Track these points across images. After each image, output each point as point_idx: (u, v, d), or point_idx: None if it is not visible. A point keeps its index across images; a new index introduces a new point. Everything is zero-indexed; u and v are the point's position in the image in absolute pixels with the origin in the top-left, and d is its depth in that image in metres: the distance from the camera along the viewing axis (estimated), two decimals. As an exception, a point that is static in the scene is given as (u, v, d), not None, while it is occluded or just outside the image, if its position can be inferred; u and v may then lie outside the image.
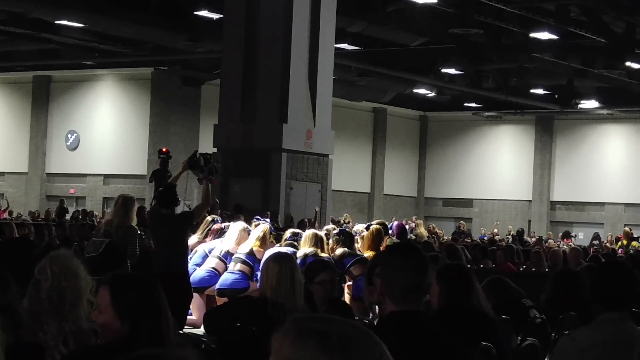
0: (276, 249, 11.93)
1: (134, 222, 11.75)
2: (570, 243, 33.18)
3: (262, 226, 12.96)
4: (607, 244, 28.94)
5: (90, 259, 11.11)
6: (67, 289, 5.13)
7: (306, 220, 21.63)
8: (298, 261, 8.12)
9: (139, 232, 11.83)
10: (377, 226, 12.94)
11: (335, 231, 13.35)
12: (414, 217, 43.53)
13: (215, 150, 24.85)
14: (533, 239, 33.88)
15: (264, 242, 12.54)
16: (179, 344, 4.52)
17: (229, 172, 22.07)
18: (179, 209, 12.26)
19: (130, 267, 11.52)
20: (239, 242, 12.55)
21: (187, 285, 11.20)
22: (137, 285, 4.47)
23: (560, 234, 37.60)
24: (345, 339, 2.19)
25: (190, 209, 12.39)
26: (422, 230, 29.48)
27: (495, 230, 38.26)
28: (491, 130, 48.03)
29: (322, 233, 12.36)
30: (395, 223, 14.64)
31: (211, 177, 11.94)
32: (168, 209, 11.25)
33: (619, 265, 5.99)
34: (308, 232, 12.30)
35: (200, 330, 11.59)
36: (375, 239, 12.51)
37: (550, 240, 33.33)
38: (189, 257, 12.69)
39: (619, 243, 29.50)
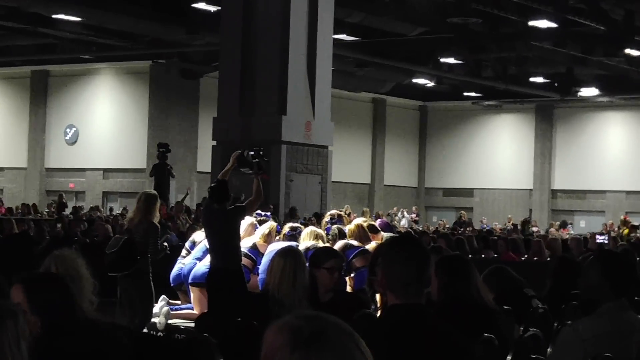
0: (279, 243, 11.89)
1: (157, 219, 11.74)
2: (566, 232, 33.27)
3: (269, 223, 12.96)
4: (604, 231, 28.90)
5: (108, 255, 11.24)
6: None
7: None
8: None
9: (159, 228, 11.81)
10: (363, 222, 12.83)
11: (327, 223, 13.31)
12: (414, 207, 43.60)
13: (215, 143, 24.86)
14: (534, 228, 33.86)
15: (268, 237, 12.54)
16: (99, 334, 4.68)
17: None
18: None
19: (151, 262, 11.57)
20: (243, 237, 12.52)
21: (242, 280, 11.21)
22: (49, 283, 4.67)
23: (558, 223, 37.62)
24: (315, 336, 2.38)
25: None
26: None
27: (496, 224, 38.21)
28: (491, 120, 48.00)
29: (320, 230, 12.35)
30: (378, 221, 14.57)
31: (260, 172, 11.90)
32: (220, 205, 11.23)
33: (620, 254, 5.96)
34: (307, 229, 12.31)
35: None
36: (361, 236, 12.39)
37: (551, 230, 33.34)
38: (203, 252, 12.66)
39: (625, 230, 29.47)
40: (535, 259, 15.91)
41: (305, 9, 23.79)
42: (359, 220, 12.89)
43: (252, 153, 12.02)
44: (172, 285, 13.39)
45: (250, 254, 12.33)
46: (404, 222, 37.35)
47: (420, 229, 27.73)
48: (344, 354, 2.37)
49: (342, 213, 14.81)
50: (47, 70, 41.70)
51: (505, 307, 7.16)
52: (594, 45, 32.94)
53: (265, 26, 23.56)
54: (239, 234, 11.63)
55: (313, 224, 16.22)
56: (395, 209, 40.27)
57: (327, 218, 13.74)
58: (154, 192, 12.40)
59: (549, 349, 5.99)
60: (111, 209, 34.39)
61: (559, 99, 43.11)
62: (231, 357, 6.17)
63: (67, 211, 30.01)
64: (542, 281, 9.15)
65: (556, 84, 41.07)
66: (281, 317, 2.46)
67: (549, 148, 46.39)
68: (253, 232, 12.86)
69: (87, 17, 30.51)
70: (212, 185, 11.50)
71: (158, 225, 11.79)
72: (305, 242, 11.69)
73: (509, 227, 32.80)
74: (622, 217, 34.60)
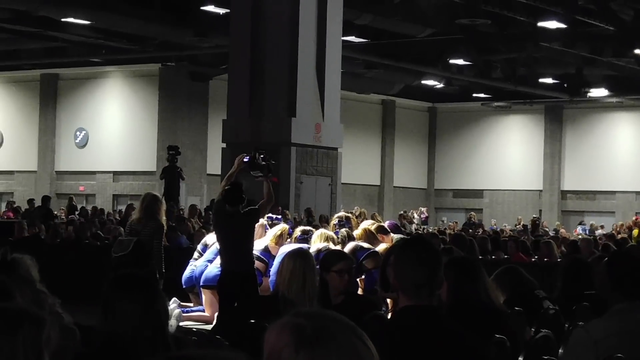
0: (290, 245, 11.92)
1: (163, 220, 11.79)
2: (576, 233, 33.26)
3: (281, 225, 12.97)
4: (614, 232, 28.80)
5: (118, 258, 11.19)
6: None
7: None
8: (312, 257, 8.12)
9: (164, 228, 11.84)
10: (370, 225, 12.83)
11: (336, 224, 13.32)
12: (424, 209, 43.53)
13: (224, 145, 24.89)
14: (545, 229, 33.79)
15: (280, 239, 12.55)
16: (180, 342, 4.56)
17: (241, 168, 22.03)
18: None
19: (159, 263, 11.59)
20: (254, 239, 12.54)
21: (255, 282, 11.23)
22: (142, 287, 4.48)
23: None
24: (318, 333, 2.35)
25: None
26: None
27: (506, 225, 38.18)
28: (500, 121, 47.94)
29: (331, 232, 12.36)
30: (387, 223, 14.57)
31: (270, 174, 11.90)
32: (233, 207, 11.22)
33: (631, 254, 5.96)
34: (318, 231, 12.33)
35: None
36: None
37: (562, 230, 33.27)
38: (214, 254, 12.67)
39: (635, 231, 29.38)
40: (545, 260, 15.88)
41: (314, 11, 23.81)
42: (365, 224, 12.89)
43: (262, 156, 12.02)
44: (184, 287, 13.43)
45: (262, 256, 12.34)
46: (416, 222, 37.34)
47: (431, 230, 27.71)
48: (349, 350, 2.34)
49: (350, 215, 14.83)
50: (57, 73, 41.76)
51: (517, 308, 7.16)
52: (603, 46, 32.88)
53: (274, 28, 23.57)
54: (253, 237, 11.64)
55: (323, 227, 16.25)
56: (412, 211, 40.10)
57: (335, 221, 13.74)
58: (157, 194, 12.45)
59: (560, 350, 6.00)
60: (120, 212, 34.44)
61: (568, 100, 43.04)
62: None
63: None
64: (552, 282, 9.15)
65: (565, 85, 41.01)
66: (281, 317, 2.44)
67: (558, 149, 46.33)
68: (264, 234, 12.87)
69: (96, 20, 30.54)
70: (227, 187, 11.48)
71: (164, 225, 11.80)
72: (316, 244, 11.71)
73: (519, 229, 32.75)
74: (633, 219, 34.53)
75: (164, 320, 4.43)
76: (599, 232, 33.11)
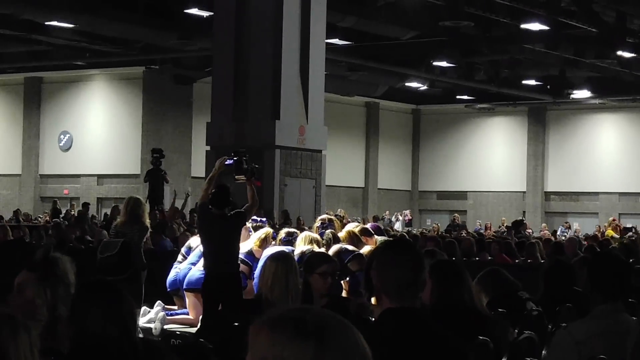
0: (274, 248, 11.91)
1: (147, 223, 11.91)
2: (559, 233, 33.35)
3: (265, 229, 12.96)
4: (597, 233, 28.90)
5: (105, 259, 11.25)
6: None
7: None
8: (295, 259, 8.12)
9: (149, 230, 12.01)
10: (354, 228, 12.82)
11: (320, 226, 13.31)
12: (408, 211, 43.58)
13: (208, 148, 24.86)
14: (529, 230, 33.85)
15: (264, 243, 12.54)
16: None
17: (222, 171, 22.01)
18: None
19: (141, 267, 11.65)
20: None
21: (239, 285, 11.25)
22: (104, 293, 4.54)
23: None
24: (321, 325, 2.23)
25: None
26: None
27: (488, 223, 38.30)
28: (484, 122, 48.04)
29: (316, 235, 12.36)
30: (370, 225, 14.54)
31: (253, 177, 11.89)
32: (220, 210, 11.22)
33: (613, 256, 5.98)
34: (303, 234, 12.33)
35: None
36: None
37: (545, 232, 33.36)
38: (198, 257, 12.66)
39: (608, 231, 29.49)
40: (529, 261, 15.92)
41: (297, 13, 23.81)
42: (350, 227, 12.88)
43: (245, 158, 12.02)
44: (168, 290, 13.41)
45: (246, 259, 12.33)
46: (398, 225, 37.34)
47: (414, 232, 27.71)
48: (352, 341, 2.25)
49: (332, 217, 14.81)
50: (41, 77, 41.67)
51: (500, 309, 7.18)
52: (586, 48, 32.98)
53: (258, 31, 23.57)
54: (239, 240, 11.65)
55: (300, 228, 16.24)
56: (387, 212, 40.22)
57: (317, 223, 13.71)
58: (139, 197, 12.57)
59: (543, 352, 6.02)
60: (105, 215, 34.38)
61: (551, 101, 43.19)
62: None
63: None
64: (536, 284, 9.17)
65: (548, 87, 41.13)
66: (262, 315, 2.28)
67: (541, 150, 46.46)
68: (248, 238, 12.86)
69: (80, 24, 30.48)
70: (214, 190, 11.49)
71: (148, 227, 11.93)
72: (300, 246, 11.71)
73: (502, 230, 32.81)
74: (610, 219, 34.68)
75: (131, 324, 4.47)
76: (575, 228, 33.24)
